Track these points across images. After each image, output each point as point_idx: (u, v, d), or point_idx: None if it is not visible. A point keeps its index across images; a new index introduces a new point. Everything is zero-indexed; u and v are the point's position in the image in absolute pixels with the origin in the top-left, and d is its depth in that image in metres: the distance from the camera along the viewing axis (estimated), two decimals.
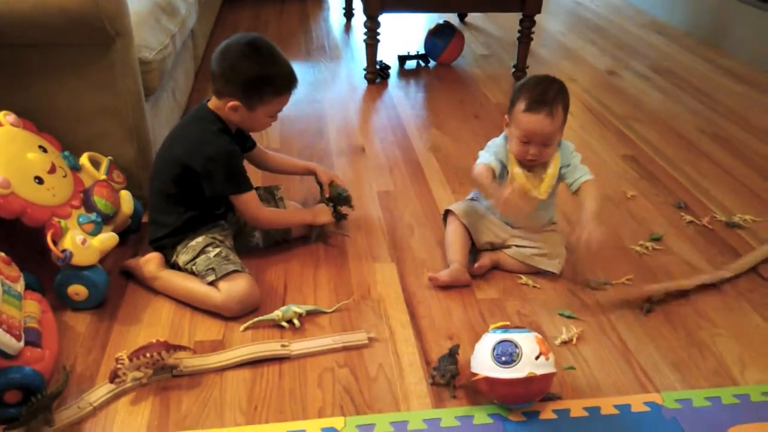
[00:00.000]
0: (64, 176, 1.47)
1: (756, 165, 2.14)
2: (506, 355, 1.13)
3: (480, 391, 1.20)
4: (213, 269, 1.39)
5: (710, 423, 1.17)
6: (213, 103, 1.46)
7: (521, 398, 1.16)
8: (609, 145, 2.27)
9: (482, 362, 1.15)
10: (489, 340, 1.17)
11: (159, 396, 1.21)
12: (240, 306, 1.38)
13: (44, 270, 1.40)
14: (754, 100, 2.68)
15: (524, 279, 1.54)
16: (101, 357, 1.30)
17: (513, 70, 2.84)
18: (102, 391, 1.21)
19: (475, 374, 1.17)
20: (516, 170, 1.52)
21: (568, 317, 1.42)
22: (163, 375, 1.25)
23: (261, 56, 1.42)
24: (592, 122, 2.45)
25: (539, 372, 1.12)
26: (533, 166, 1.52)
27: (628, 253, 1.67)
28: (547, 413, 1.18)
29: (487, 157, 1.53)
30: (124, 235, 1.60)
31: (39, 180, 1.39)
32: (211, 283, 1.39)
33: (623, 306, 1.46)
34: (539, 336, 1.17)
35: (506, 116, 1.54)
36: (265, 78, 1.41)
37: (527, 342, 1.14)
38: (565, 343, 1.35)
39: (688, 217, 1.81)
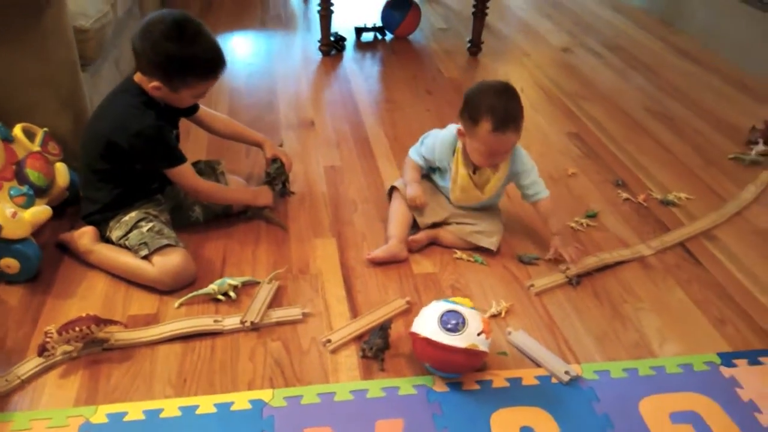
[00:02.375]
0: None
1: (696, 144, 2.20)
2: (453, 323, 1.17)
3: (414, 351, 1.24)
4: (146, 243, 1.39)
5: (625, 393, 1.23)
6: (138, 76, 1.42)
7: (452, 366, 1.21)
8: (556, 122, 2.31)
9: (427, 324, 1.19)
10: (438, 306, 1.22)
11: (89, 369, 1.22)
12: (174, 280, 1.39)
13: None
14: (701, 80, 2.74)
15: (459, 254, 1.57)
16: (32, 331, 1.30)
17: (468, 45, 2.85)
18: (31, 364, 1.21)
19: (416, 334, 1.20)
20: (461, 171, 1.53)
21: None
22: (94, 348, 1.25)
23: (185, 38, 1.35)
24: (542, 99, 2.48)
25: (479, 348, 1.17)
26: (479, 167, 1.53)
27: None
28: (470, 384, 1.22)
29: (417, 158, 1.60)
30: (62, 207, 1.59)
31: None
32: (145, 258, 1.39)
33: (553, 283, 1.50)
34: (485, 317, 1.22)
35: (460, 127, 1.49)
36: (189, 61, 1.36)
37: (474, 317, 1.19)
38: (494, 316, 1.39)
39: (625, 195, 1.86)
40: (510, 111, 1.42)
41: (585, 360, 1.30)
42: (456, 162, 1.54)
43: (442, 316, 1.19)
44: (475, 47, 2.83)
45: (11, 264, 1.37)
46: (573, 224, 1.72)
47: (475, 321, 1.19)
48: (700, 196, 1.89)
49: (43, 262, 1.44)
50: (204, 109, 1.67)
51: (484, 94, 1.45)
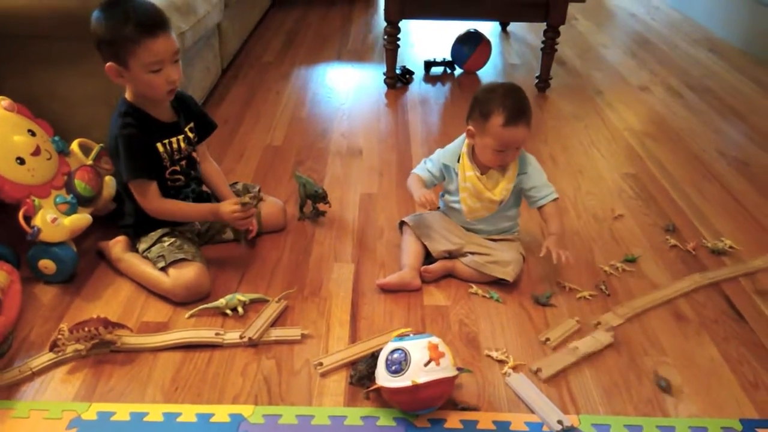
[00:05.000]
0: (49, 159, 1.58)
1: None
2: (396, 363, 1.14)
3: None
4: (163, 256, 1.47)
5: None
6: (127, 90, 1.49)
7: (411, 405, 1.17)
8: (614, 161, 2.20)
9: (379, 372, 1.18)
10: (386, 349, 1.19)
11: (93, 368, 1.29)
12: (186, 292, 1.45)
13: (24, 244, 1.52)
14: None
15: (475, 288, 1.52)
16: (55, 328, 1.38)
17: (536, 81, 2.80)
18: (44, 358, 1.30)
19: (373, 383, 1.19)
20: (469, 174, 1.53)
21: None
22: (103, 349, 1.33)
23: (111, 7, 1.38)
24: (604, 137, 2.37)
25: (423, 379, 1.12)
26: (488, 169, 1.53)
27: (596, 271, 1.61)
28: (454, 422, 1.18)
29: (421, 171, 1.62)
30: (108, 218, 1.71)
31: (20, 160, 1.51)
32: (162, 269, 1.47)
33: (569, 332, 1.42)
34: (434, 341, 1.17)
35: (470, 127, 1.53)
36: (116, 26, 1.35)
37: (417, 349, 1.15)
38: (500, 361, 1.33)
39: (673, 241, 1.73)
40: (520, 105, 1.47)
41: (586, 411, 1.22)
42: (462, 166, 1.54)
43: (386, 360, 1.17)
44: (542, 83, 2.77)
45: (48, 265, 1.49)
46: (607, 267, 1.62)
47: (419, 353, 1.14)
48: (762, 248, 1.72)
49: (81, 266, 1.56)
50: (201, 146, 1.65)
51: (493, 91, 1.50)
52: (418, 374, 1.12)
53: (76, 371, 1.29)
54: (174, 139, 1.53)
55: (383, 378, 1.15)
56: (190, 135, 1.59)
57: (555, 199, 1.56)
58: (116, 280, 1.55)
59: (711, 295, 1.54)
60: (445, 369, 1.14)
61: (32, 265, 1.50)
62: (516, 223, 1.63)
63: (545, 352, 1.36)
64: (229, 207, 1.51)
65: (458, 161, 1.56)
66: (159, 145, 1.51)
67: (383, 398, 1.20)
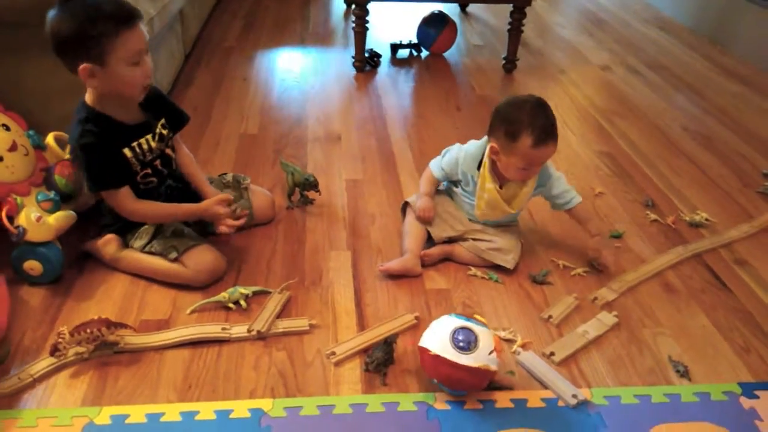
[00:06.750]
0: (26, 154, 1.50)
1: (736, 166, 2.12)
2: (465, 341, 1.15)
3: (422, 365, 1.22)
4: (174, 247, 1.44)
5: (635, 420, 1.18)
6: (87, 93, 1.39)
7: (460, 384, 1.19)
8: (587, 140, 2.26)
9: (438, 340, 1.17)
10: (450, 322, 1.19)
11: (98, 371, 1.25)
12: (208, 275, 1.45)
13: (4, 245, 1.44)
14: (748, 101, 2.64)
15: (474, 271, 1.54)
16: (49, 331, 1.34)
17: (503, 62, 2.83)
18: (44, 363, 1.25)
19: (425, 349, 1.18)
20: (488, 185, 1.50)
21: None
22: (105, 351, 1.28)
23: (71, 2, 1.27)
24: (574, 116, 2.44)
25: (490, 367, 1.15)
26: (507, 180, 1.51)
27: (586, 248, 1.66)
28: (473, 403, 1.20)
29: (437, 171, 1.59)
30: (88, 214, 1.64)
31: None
32: (176, 260, 1.43)
33: (569, 309, 1.46)
34: (496, 334, 1.21)
35: (493, 144, 1.46)
36: (86, 22, 1.25)
37: (486, 336, 1.17)
38: (508, 341, 1.36)
39: (653, 216, 1.80)
40: (550, 122, 1.42)
41: (596, 384, 1.26)
42: (482, 177, 1.51)
43: (453, 332, 1.17)
44: (510, 64, 2.81)
45: (35, 266, 1.43)
46: None
47: (486, 340, 1.17)
48: (734, 217, 1.81)
49: (67, 265, 1.49)
50: (176, 139, 1.58)
51: (519, 109, 1.42)
52: (483, 359, 1.14)
53: (80, 375, 1.24)
54: (143, 140, 1.44)
55: (444, 349, 1.15)
56: (163, 132, 1.50)
57: (580, 201, 1.56)
58: (107, 278, 1.49)
59: (695, 267, 1.62)
60: (497, 363, 1.18)
61: (17, 267, 1.43)
62: (518, 213, 1.64)
63: (549, 330, 1.39)
64: (221, 210, 1.48)
65: (477, 169, 1.53)
66: (127, 150, 1.41)
67: (423, 364, 1.21)
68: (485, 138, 1.52)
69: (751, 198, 1.93)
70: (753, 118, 2.48)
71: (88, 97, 1.39)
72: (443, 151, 1.61)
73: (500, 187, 1.51)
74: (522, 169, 1.46)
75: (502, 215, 1.56)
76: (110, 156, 1.39)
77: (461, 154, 1.55)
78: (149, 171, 1.48)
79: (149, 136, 1.46)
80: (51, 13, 1.29)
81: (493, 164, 1.50)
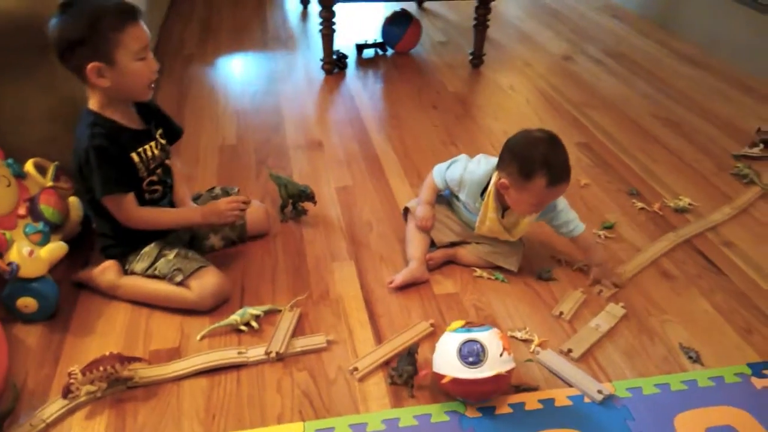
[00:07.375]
0: (8, 185, 1.42)
1: (706, 148, 2.20)
2: (473, 355, 1.15)
3: (444, 391, 1.21)
4: (179, 269, 1.39)
5: (659, 410, 1.21)
6: (90, 99, 1.37)
7: (488, 395, 1.19)
8: (564, 132, 2.29)
9: (448, 363, 1.17)
10: (453, 340, 1.18)
11: (114, 409, 1.20)
12: (213, 299, 1.41)
13: None
14: (704, 83, 2.74)
15: (479, 272, 1.55)
16: (54, 371, 1.27)
17: (470, 57, 2.85)
18: (55, 406, 1.19)
19: (441, 375, 1.18)
20: (491, 215, 1.48)
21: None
22: (118, 387, 1.23)
23: (72, 6, 1.27)
24: (548, 109, 2.48)
25: (505, 369, 1.15)
26: (509, 207, 1.48)
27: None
28: (503, 408, 1.21)
29: (439, 180, 1.55)
30: (74, 242, 1.57)
31: None
32: (180, 283, 1.38)
33: (578, 303, 1.48)
34: (499, 332, 1.20)
35: (504, 180, 1.41)
36: (91, 21, 1.25)
37: (491, 340, 1.17)
38: (525, 341, 1.37)
39: (640, 204, 1.85)
40: (564, 161, 1.38)
41: (616, 377, 1.29)
42: (485, 205, 1.48)
43: (460, 350, 1.17)
44: (477, 59, 2.83)
45: (29, 303, 1.35)
46: None
47: (493, 343, 1.17)
48: (714, 201, 1.88)
49: (60, 299, 1.42)
50: (173, 161, 1.55)
51: (533, 147, 1.38)
52: (497, 365, 1.14)
53: (96, 415, 1.19)
54: (148, 147, 1.43)
55: (457, 369, 1.15)
56: (162, 141, 1.48)
57: (584, 229, 1.52)
58: (106, 309, 1.43)
59: (688, 252, 1.67)
60: (512, 359, 1.18)
61: (10, 306, 1.36)
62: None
63: (562, 326, 1.41)
64: (222, 205, 1.47)
65: (481, 196, 1.49)
66: (134, 155, 1.40)
67: (445, 390, 1.20)
68: (491, 164, 1.49)
69: (726, 180, 2.01)
70: (711, 98, 2.58)
71: (93, 104, 1.37)
72: (450, 161, 1.56)
73: (502, 216, 1.50)
74: (533, 205, 1.43)
75: (502, 239, 1.56)
76: (119, 159, 1.37)
77: (466, 176, 1.50)
78: (154, 178, 1.46)
79: (152, 143, 1.44)
80: (53, 21, 1.29)
81: (498, 193, 1.47)
